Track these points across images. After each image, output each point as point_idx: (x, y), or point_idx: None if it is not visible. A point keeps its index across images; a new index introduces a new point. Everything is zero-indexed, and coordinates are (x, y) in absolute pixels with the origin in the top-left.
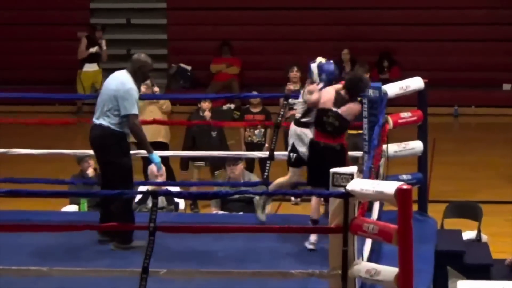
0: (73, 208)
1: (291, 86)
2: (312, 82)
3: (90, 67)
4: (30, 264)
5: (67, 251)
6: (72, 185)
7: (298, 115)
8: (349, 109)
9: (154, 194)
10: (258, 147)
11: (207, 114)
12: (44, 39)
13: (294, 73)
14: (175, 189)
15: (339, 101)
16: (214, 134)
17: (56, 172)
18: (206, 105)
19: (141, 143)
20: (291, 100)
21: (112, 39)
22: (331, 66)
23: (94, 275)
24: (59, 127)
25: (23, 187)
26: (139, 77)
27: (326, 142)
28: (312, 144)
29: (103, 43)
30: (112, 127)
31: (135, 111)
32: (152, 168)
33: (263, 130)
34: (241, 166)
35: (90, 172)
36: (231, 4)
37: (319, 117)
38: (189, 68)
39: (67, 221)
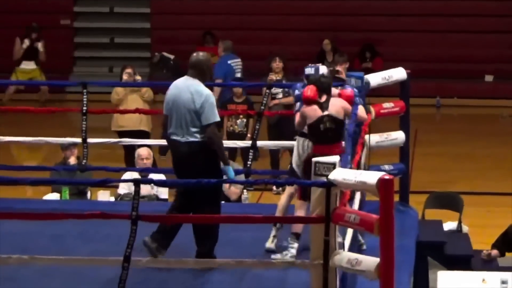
0: (54, 196)
1: (273, 76)
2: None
3: (27, 65)
4: (11, 252)
5: (48, 239)
6: (54, 173)
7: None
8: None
9: (136, 182)
10: (240, 137)
11: None
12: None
13: (277, 64)
14: (159, 177)
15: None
16: None
17: (38, 161)
18: None
19: (218, 153)
20: (273, 90)
21: (96, 28)
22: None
23: (76, 263)
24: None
25: (5, 174)
26: (207, 76)
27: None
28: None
29: (40, 45)
30: (202, 140)
31: (216, 118)
32: (140, 151)
33: (245, 120)
34: None
35: (72, 160)
36: None
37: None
38: (172, 57)
39: (49, 209)
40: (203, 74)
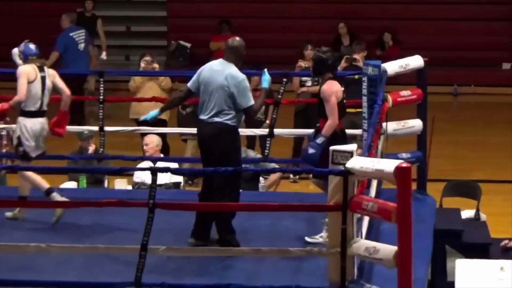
0: (72, 184)
1: (301, 63)
2: None
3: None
4: (29, 240)
5: (65, 228)
6: (71, 162)
7: None
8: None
9: (153, 171)
10: (258, 124)
11: None
12: (40, 16)
13: (308, 51)
14: (174, 165)
15: None
16: None
17: (53, 149)
18: None
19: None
20: (304, 78)
21: (112, 16)
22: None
23: (93, 252)
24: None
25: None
26: (240, 62)
27: None
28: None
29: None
30: (227, 122)
31: (251, 102)
32: (145, 137)
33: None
34: None
35: (91, 150)
36: None
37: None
38: (188, 45)
39: (66, 197)
40: (238, 58)
